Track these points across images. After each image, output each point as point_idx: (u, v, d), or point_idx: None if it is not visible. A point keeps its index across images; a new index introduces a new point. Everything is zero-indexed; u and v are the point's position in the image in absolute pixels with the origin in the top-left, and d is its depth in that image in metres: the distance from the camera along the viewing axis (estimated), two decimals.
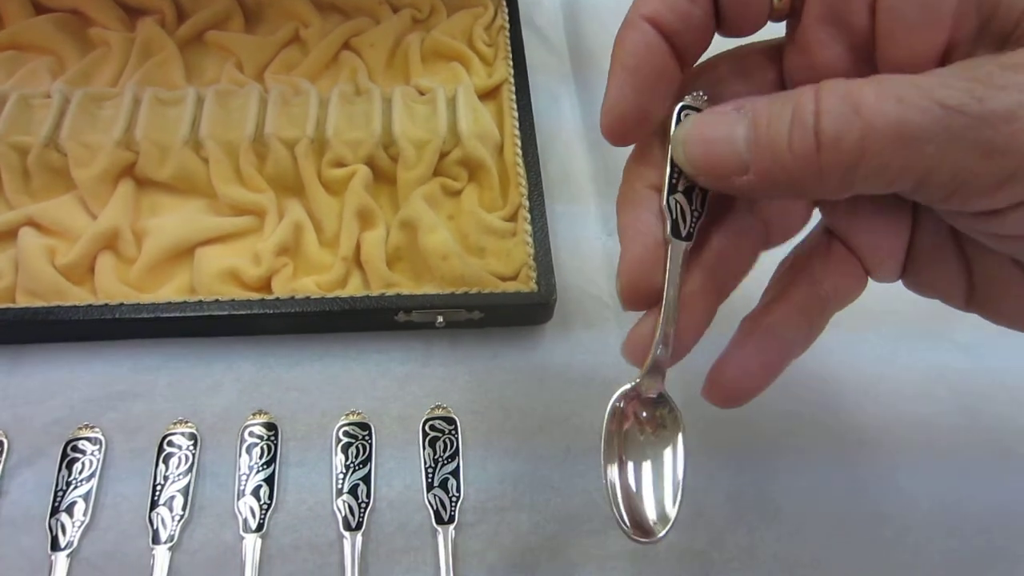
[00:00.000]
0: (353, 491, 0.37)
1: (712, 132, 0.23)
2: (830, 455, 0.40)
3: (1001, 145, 0.19)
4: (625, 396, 0.26)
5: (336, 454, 0.38)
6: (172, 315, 0.40)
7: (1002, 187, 0.19)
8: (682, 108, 0.25)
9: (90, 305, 0.40)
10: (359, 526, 0.36)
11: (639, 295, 0.26)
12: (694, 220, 0.25)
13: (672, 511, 0.25)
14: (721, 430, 0.40)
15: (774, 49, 0.26)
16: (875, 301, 0.43)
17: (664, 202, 0.25)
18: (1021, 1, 0.20)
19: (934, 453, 0.40)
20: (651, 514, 0.25)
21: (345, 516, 0.37)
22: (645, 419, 0.26)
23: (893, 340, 0.44)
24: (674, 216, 0.25)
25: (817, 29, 0.23)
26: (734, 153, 0.22)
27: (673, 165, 0.25)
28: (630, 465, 0.26)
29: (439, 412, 0.40)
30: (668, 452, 0.26)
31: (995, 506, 0.39)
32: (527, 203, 0.44)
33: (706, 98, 0.25)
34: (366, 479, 0.38)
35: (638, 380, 0.26)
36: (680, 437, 0.26)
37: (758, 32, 0.26)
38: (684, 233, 0.25)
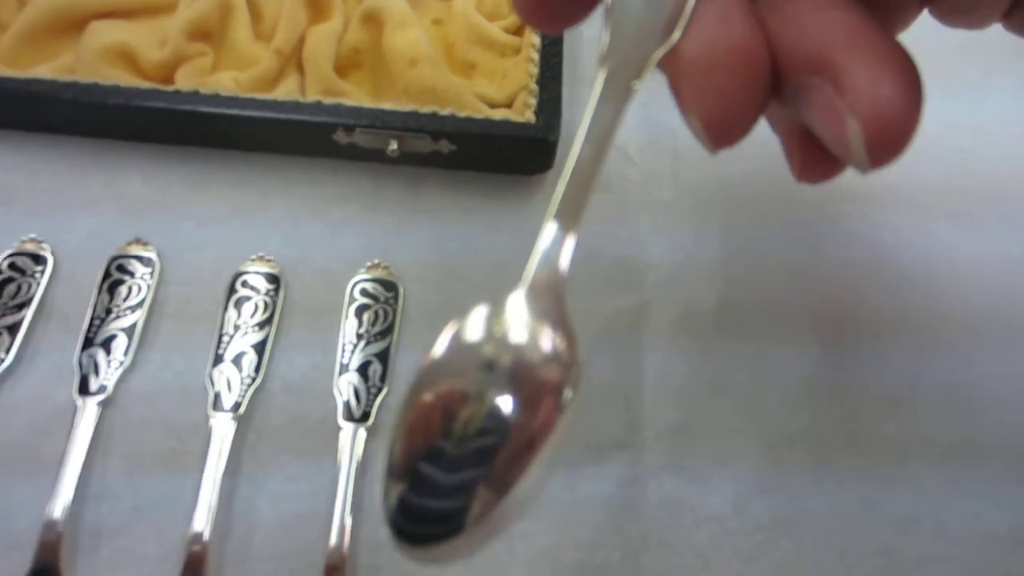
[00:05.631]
0: (237, 361, 0.27)
1: None
2: (895, 337, 0.29)
3: None
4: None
5: (227, 309, 0.28)
6: (36, 92, 0.29)
7: None
8: None
9: None
10: (236, 407, 0.26)
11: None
12: None
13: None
14: (770, 316, 0.29)
15: None
16: (938, 177, 0.31)
17: None
18: None
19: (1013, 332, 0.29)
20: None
21: (218, 393, 0.26)
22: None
23: (965, 222, 0.32)
24: None
25: None
26: None
27: None
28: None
29: (377, 273, 0.29)
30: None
31: None
32: None
33: None
34: (259, 348, 0.27)
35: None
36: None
37: None
38: None
